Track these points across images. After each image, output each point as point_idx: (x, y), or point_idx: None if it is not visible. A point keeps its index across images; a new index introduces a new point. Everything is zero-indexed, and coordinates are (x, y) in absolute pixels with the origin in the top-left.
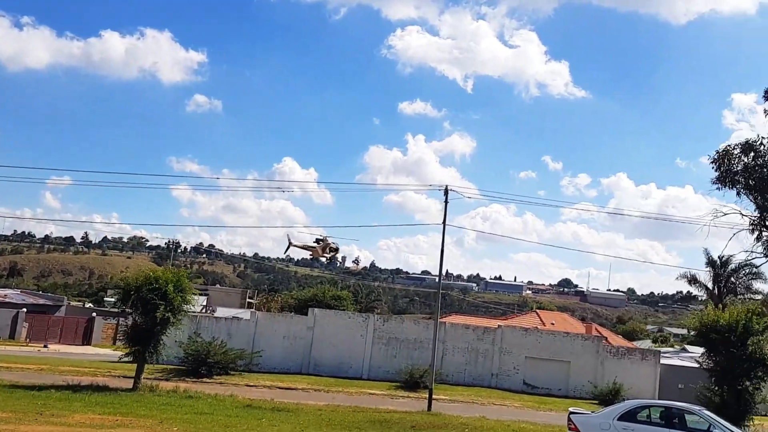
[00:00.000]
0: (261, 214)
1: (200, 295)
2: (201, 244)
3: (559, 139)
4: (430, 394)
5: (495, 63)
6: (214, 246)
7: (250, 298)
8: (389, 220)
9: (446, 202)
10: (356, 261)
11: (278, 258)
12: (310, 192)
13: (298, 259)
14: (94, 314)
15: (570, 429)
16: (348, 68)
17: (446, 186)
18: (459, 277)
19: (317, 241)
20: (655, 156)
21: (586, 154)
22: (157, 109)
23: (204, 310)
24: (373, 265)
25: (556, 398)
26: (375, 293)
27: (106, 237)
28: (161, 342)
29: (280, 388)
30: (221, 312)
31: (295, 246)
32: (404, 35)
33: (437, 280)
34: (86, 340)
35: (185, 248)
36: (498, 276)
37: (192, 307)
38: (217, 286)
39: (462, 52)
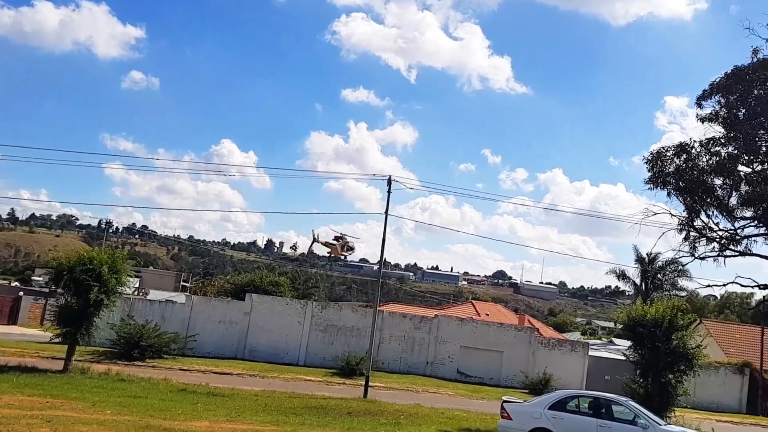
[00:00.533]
0: (197, 196)
1: (134, 276)
2: (134, 224)
3: (499, 133)
4: (367, 381)
5: (439, 54)
6: (147, 227)
7: (184, 281)
8: (329, 207)
9: (389, 192)
10: (294, 247)
11: (214, 241)
12: (249, 176)
13: (234, 243)
14: (20, 293)
15: (503, 417)
16: (291, 52)
17: (389, 176)
18: (397, 266)
19: (337, 238)
20: (590, 153)
21: (524, 149)
22: (92, 85)
23: (136, 293)
24: (311, 251)
25: (489, 387)
26: (313, 280)
27: (33, 214)
28: (94, 324)
29: (214, 372)
30: (154, 295)
31: (318, 242)
32: (349, 21)
33: (375, 268)
34: (12, 319)
35: (117, 228)
36: (435, 266)
37: (126, 290)
38: (150, 268)
39: (406, 41)
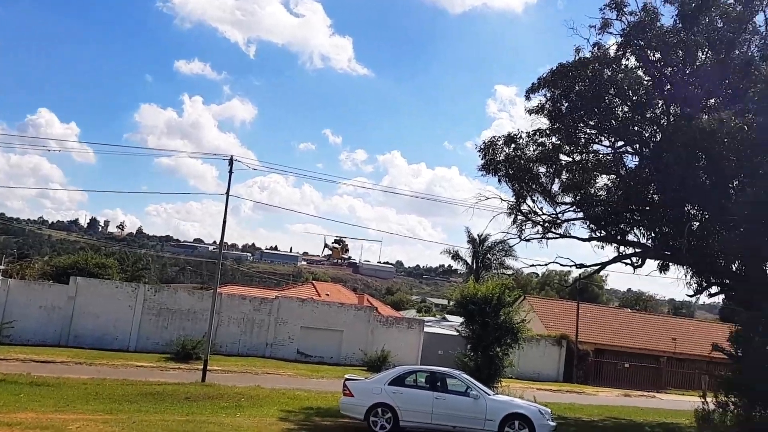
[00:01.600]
0: (9, 170)
1: None
2: None
3: (339, 113)
4: (205, 365)
5: (279, 30)
6: None
7: None
8: (160, 183)
9: (231, 172)
10: (121, 226)
11: (29, 219)
12: (70, 150)
13: (52, 222)
14: None
15: (345, 394)
16: (117, 17)
17: (231, 156)
18: (234, 246)
19: (337, 242)
20: (427, 137)
21: (364, 131)
22: None
23: None
24: (140, 231)
25: (329, 366)
26: (143, 261)
27: None
28: None
29: (36, 361)
30: None
31: (327, 246)
32: None
33: (210, 248)
34: None
35: None
36: (274, 246)
37: None
38: None
39: (245, 14)
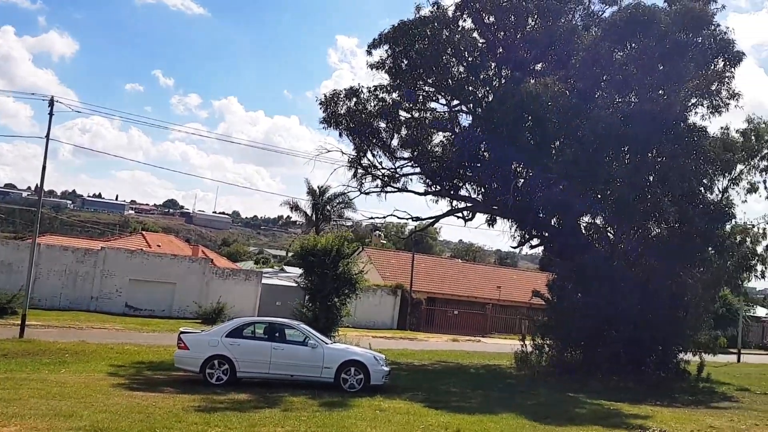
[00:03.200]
0: None
1: None
2: None
3: (172, 54)
4: (23, 320)
5: None
6: None
7: None
8: None
9: (51, 114)
10: None
11: None
12: None
13: None
14: None
15: (180, 347)
16: None
17: (52, 96)
18: (51, 193)
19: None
20: (266, 84)
21: (198, 74)
22: None
23: None
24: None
25: (160, 319)
26: None
27: None
28: None
29: None
30: None
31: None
32: None
33: (24, 195)
34: None
35: None
36: (98, 194)
37: None
38: None
39: None
